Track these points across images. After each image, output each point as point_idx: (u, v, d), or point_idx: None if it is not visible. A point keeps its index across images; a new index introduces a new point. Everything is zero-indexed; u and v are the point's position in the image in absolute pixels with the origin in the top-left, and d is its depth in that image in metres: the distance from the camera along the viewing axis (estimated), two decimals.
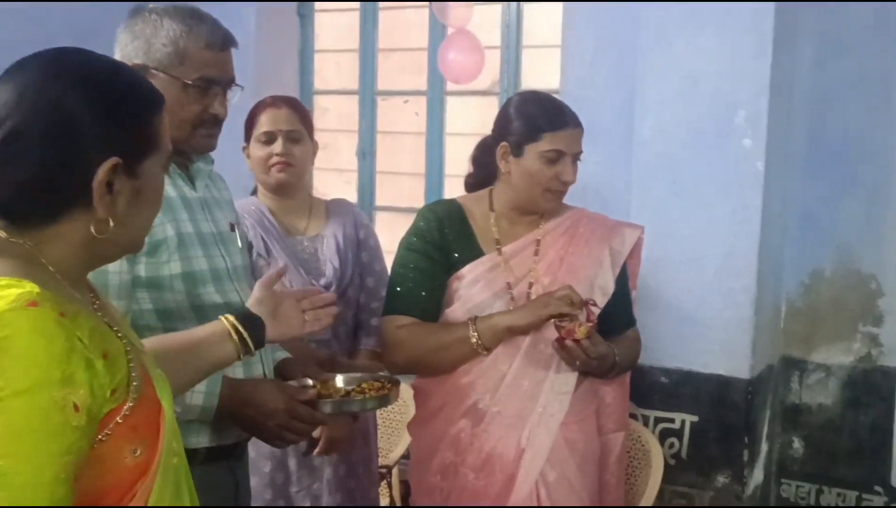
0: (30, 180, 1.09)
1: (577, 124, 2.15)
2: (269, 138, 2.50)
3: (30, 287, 1.04)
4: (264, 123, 2.51)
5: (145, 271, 1.69)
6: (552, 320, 2.03)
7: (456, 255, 2.16)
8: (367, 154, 4.08)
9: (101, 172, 1.10)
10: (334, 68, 4.24)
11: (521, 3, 3.70)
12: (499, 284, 2.15)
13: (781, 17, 2.75)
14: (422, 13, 3.90)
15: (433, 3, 3.63)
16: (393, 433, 3.26)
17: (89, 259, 1.18)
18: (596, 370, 2.10)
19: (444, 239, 2.16)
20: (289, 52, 4.09)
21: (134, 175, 1.14)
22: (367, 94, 4.06)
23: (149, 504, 1.12)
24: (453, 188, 3.77)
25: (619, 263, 2.20)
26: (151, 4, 1.81)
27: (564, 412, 2.11)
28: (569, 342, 1.98)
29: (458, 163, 3.92)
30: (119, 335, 1.16)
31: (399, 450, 3.13)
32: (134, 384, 1.11)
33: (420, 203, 3.96)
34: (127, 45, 1.78)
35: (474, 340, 2.07)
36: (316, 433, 2.43)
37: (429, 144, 3.94)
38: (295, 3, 4.09)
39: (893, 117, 2.84)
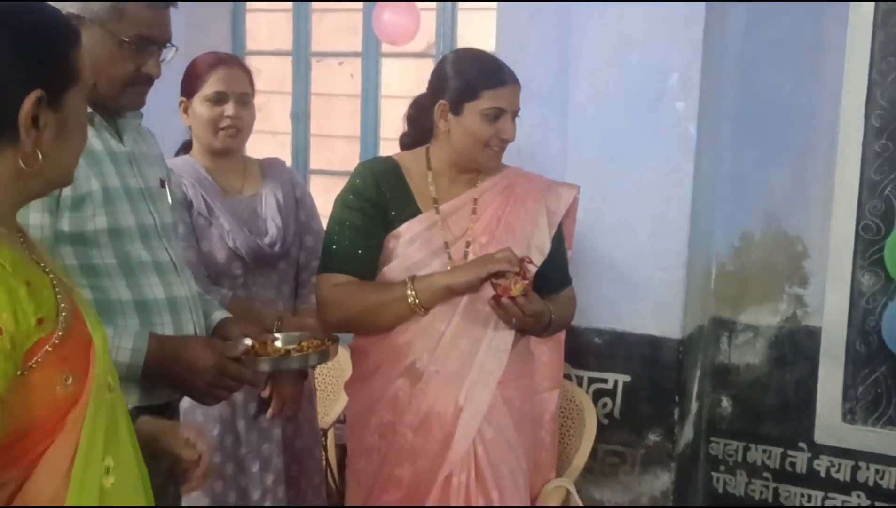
0: None
1: (515, 81, 2.15)
2: (220, 99, 2.43)
3: None
4: (215, 83, 2.42)
5: (69, 225, 1.65)
6: (490, 279, 2.04)
7: (393, 213, 2.15)
8: (301, 117, 4.02)
9: (27, 105, 1.12)
10: (267, 28, 4.16)
11: None
12: (436, 242, 2.15)
13: None
14: None
15: None
16: (329, 396, 3.26)
17: (18, 195, 1.19)
18: (532, 327, 2.11)
19: (381, 196, 2.15)
20: (220, 11, 4.00)
21: (58, 108, 1.16)
22: (302, 55, 4.00)
23: (82, 435, 1.14)
24: (389, 151, 3.69)
25: (555, 222, 2.21)
26: None
27: (502, 371, 2.12)
28: (505, 300, 1.99)
29: (393, 126, 3.89)
30: (46, 270, 1.18)
31: (334, 413, 3.13)
32: (63, 314, 1.14)
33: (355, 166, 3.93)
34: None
35: (412, 299, 2.06)
36: (265, 394, 2.42)
37: (364, 107, 3.90)
38: None
39: (820, 84, 2.89)
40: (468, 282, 2.05)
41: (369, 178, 2.17)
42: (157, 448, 1.46)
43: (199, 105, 2.44)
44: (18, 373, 1.09)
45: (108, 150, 1.76)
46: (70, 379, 1.13)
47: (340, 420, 3.19)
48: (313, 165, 4.04)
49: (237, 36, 4.08)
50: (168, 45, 1.79)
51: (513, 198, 2.19)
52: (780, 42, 2.95)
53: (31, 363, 1.10)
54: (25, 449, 1.12)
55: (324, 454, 2.89)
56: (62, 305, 1.15)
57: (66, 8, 1.68)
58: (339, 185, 3.53)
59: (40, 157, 1.15)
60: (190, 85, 2.46)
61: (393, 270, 2.14)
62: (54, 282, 1.17)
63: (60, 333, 1.13)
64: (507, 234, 2.16)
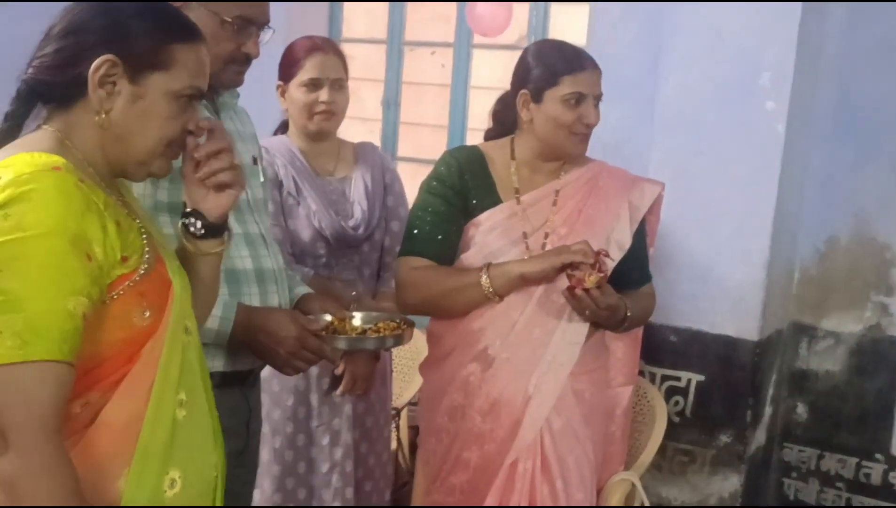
0: (48, 63, 1.31)
1: (595, 66, 2.15)
2: (316, 85, 2.50)
3: (56, 158, 1.24)
4: (311, 69, 2.50)
5: (167, 196, 1.74)
6: (566, 271, 2.05)
7: (474, 201, 2.19)
8: (391, 104, 4.10)
9: (97, 63, 1.29)
10: (363, 17, 4.24)
11: None
12: (515, 232, 2.17)
13: None
14: None
15: None
16: (404, 377, 3.32)
17: (107, 157, 1.34)
18: (606, 321, 2.12)
19: (464, 185, 2.19)
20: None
21: (135, 82, 1.31)
22: (395, 43, 4.07)
23: (158, 367, 1.27)
24: (476, 141, 3.77)
25: (638, 218, 2.21)
26: None
27: (574, 363, 2.13)
28: (579, 291, 2.01)
29: (481, 116, 3.93)
30: (136, 220, 1.33)
31: (409, 394, 3.19)
32: (146, 256, 1.29)
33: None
34: None
35: (486, 286, 2.10)
36: (338, 371, 2.50)
37: (453, 97, 3.95)
38: None
39: None
40: (542, 271, 2.07)
41: (453, 165, 2.21)
42: None
43: (296, 90, 2.51)
44: (102, 301, 1.23)
45: None
46: (147, 313, 1.27)
47: (414, 403, 3.25)
48: (401, 152, 4.11)
49: (334, 23, 4.17)
50: (266, 27, 1.87)
51: (595, 191, 2.20)
52: (880, 43, 2.88)
53: (113, 294, 1.25)
54: (106, 373, 1.25)
55: (396, 433, 2.96)
56: (146, 248, 1.30)
57: None
58: (425, 172, 3.59)
59: (104, 115, 1.30)
60: (287, 70, 2.53)
61: (471, 257, 2.18)
62: (141, 228, 1.31)
63: (142, 271, 1.27)
64: (587, 227, 2.17)
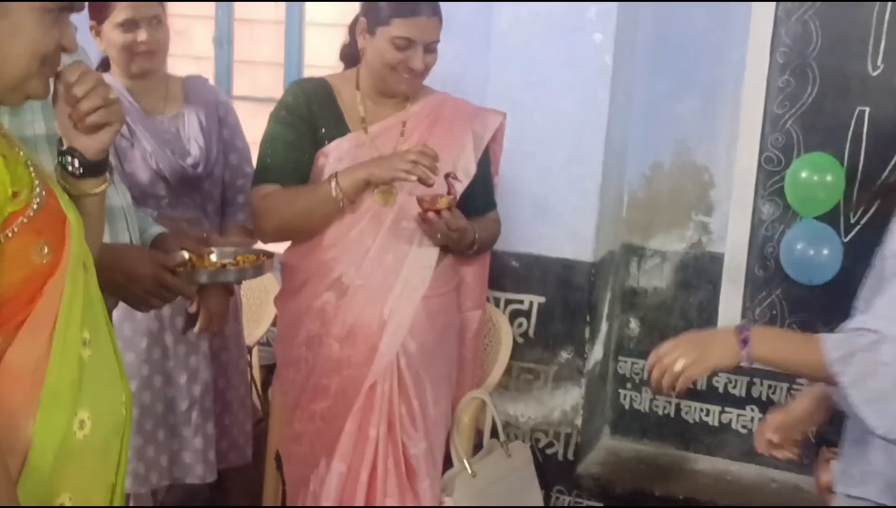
0: None
1: (432, 14, 2.18)
2: (132, 25, 2.40)
3: None
4: (124, 9, 2.39)
5: (45, 128, 1.67)
6: (417, 199, 2.12)
7: (323, 130, 2.21)
8: (224, 42, 4.00)
9: None
10: None
11: None
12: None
13: None
14: None
15: None
16: (253, 316, 3.31)
17: None
18: (456, 244, 2.21)
19: (312, 114, 2.21)
20: None
21: None
22: None
23: (60, 305, 1.23)
24: None
25: (481, 146, 2.30)
26: None
27: (426, 287, 2.22)
28: (431, 215, 2.08)
29: (317, 53, 3.91)
30: (20, 152, 1.27)
31: (258, 332, 3.20)
32: (37, 190, 1.23)
33: (279, 93, 3.92)
34: None
35: (337, 193, 2.12)
36: (192, 309, 2.48)
37: (288, 33, 3.90)
38: None
39: (730, 21, 3.02)
40: (388, 176, 2.11)
41: (300, 95, 2.22)
42: None
43: (111, 32, 2.42)
44: None
45: None
46: (46, 249, 1.22)
47: (262, 343, 3.26)
48: (236, 91, 4.02)
49: None
50: None
51: (440, 121, 2.27)
52: None
53: (7, 232, 1.19)
54: (8, 316, 1.20)
55: (249, 370, 2.97)
56: (36, 182, 1.23)
57: None
58: (262, 111, 3.56)
59: None
60: (99, 11, 2.41)
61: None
62: (28, 162, 1.25)
63: (35, 207, 1.21)
64: None
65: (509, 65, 2.97)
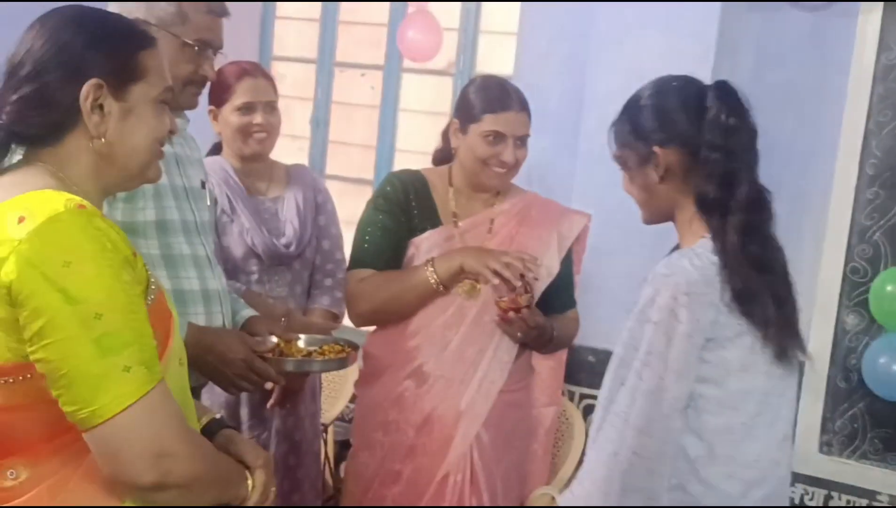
0: (30, 100, 1.30)
1: (521, 108, 2.27)
2: (249, 109, 2.56)
3: (74, 196, 1.24)
4: (244, 94, 2.56)
5: (122, 215, 1.79)
6: (496, 300, 2.16)
7: (417, 221, 2.29)
8: (320, 123, 4.17)
9: (85, 89, 1.30)
10: (294, 36, 4.30)
11: None
12: None
13: (724, 26, 2.93)
14: None
15: None
16: (332, 394, 3.39)
17: (101, 182, 1.36)
18: (535, 340, 2.24)
19: (409, 204, 2.29)
20: (251, 17, 4.15)
21: (121, 98, 1.33)
22: (325, 64, 4.14)
23: None
24: (403, 163, 3.88)
25: (566, 246, 2.35)
26: None
27: (504, 381, 2.26)
28: (511, 314, 2.14)
29: (409, 138, 4.04)
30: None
31: (336, 410, 3.26)
32: (152, 287, 1.31)
33: (370, 175, 4.07)
34: (127, 1, 1.86)
35: (432, 279, 2.19)
36: (269, 385, 2.56)
37: (382, 118, 4.04)
38: None
39: (820, 129, 3.03)
40: (478, 271, 2.16)
41: (398, 185, 2.32)
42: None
43: (230, 114, 2.58)
44: None
45: None
46: (154, 342, 1.27)
47: (341, 419, 3.33)
48: (329, 170, 4.17)
49: (265, 41, 4.22)
50: (220, 51, 1.95)
51: (527, 221, 2.32)
52: (785, 86, 3.08)
53: None
54: None
55: (323, 448, 3.02)
56: (151, 279, 1.32)
57: (134, 13, 1.83)
58: (352, 191, 3.67)
59: (102, 139, 1.32)
60: (219, 95, 2.59)
61: None
62: (144, 261, 1.33)
63: (149, 302, 1.29)
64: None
65: (596, 162, 3.01)
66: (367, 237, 2.29)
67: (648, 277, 1.64)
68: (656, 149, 1.68)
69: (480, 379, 2.24)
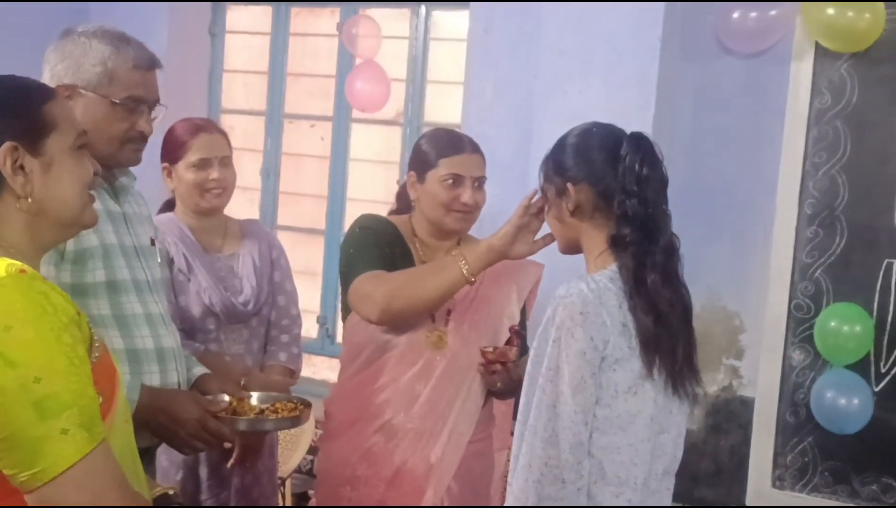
0: None
1: (474, 150, 2.32)
2: (204, 164, 2.56)
3: (12, 261, 1.26)
4: (199, 150, 2.56)
5: (70, 277, 1.79)
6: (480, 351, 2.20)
7: (398, 260, 2.27)
8: (270, 173, 4.19)
9: (2, 155, 1.31)
10: (242, 89, 4.33)
11: (429, 40, 3.88)
12: None
13: (663, 74, 3.03)
14: (331, 41, 4.05)
15: (343, 32, 3.79)
16: (287, 446, 3.37)
17: (38, 239, 1.37)
18: (513, 393, 2.25)
19: (388, 239, 2.29)
20: (199, 71, 4.17)
21: (38, 154, 1.34)
22: (275, 115, 4.17)
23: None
24: (354, 211, 3.89)
25: (524, 297, 2.38)
26: (81, 27, 1.92)
27: (472, 432, 2.28)
28: (497, 366, 2.16)
29: (359, 187, 4.07)
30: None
31: (292, 463, 3.25)
32: (96, 344, 1.32)
33: (321, 225, 4.09)
34: (56, 65, 1.87)
35: (464, 266, 2.12)
36: (228, 445, 2.54)
37: (332, 168, 4.07)
38: (207, 23, 4.18)
39: (759, 172, 3.13)
40: (507, 235, 2.11)
41: (373, 222, 2.33)
42: None
43: (185, 171, 2.57)
44: None
45: (106, 209, 1.90)
46: (101, 399, 1.29)
47: (297, 470, 3.31)
48: (280, 221, 4.18)
49: (213, 95, 4.24)
50: (158, 104, 1.96)
51: (488, 274, 2.31)
52: (725, 131, 3.18)
53: None
54: None
55: (282, 501, 3.00)
56: (95, 337, 1.33)
57: (63, 79, 1.85)
58: (304, 241, 3.67)
59: (30, 200, 1.33)
60: (173, 152, 2.58)
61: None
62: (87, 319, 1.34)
63: (93, 359, 1.30)
64: (484, 305, 2.32)
65: None
66: (353, 252, 2.25)
67: (551, 299, 1.75)
68: (569, 185, 1.81)
69: (450, 431, 2.25)
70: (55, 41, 1.91)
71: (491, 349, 2.19)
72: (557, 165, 1.86)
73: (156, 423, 1.84)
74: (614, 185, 1.77)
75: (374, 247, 2.24)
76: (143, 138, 1.94)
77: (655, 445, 1.78)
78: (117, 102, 1.86)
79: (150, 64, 1.94)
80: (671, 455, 1.84)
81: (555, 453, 1.67)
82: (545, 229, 2.09)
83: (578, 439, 1.68)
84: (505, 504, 1.76)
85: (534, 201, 2.08)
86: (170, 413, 1.84)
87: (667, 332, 1.76)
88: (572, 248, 1.90)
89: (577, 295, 1.70)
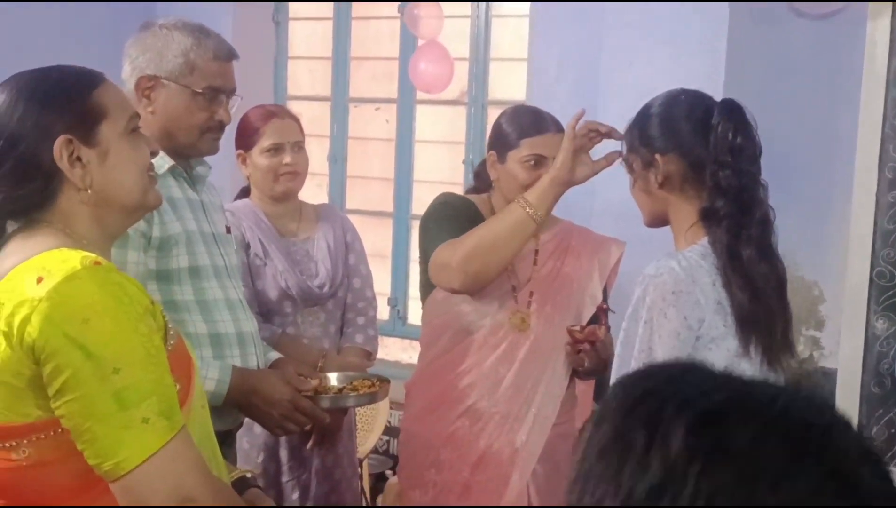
0: (8, 178, 1.31)
1: (558, 130, 2.23)
2: (278, 150, 2.60)
3: (88, 254, 1.26)
4: (272, 135, 2.60)
5: (156, 264, 1.83)
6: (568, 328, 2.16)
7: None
8: (338, 159, 4.21)
9: (57, 149, 1.31)
10: (307, 75, 4.36)
11: (490, 17, 3.86)
12: (506, 285, 2.27)
13: (732, 39, 2.95)
14: (393, 24, 4.05)
15: (405, 14, 3.79)
16: (364, 428, 3.40)
17: (105, 228, 1.38)
18: (601, 372, 2.23)
19: (468, 214, 2.27)
20: (264, 59, 4.21)
21: (93, 144, 1.34)
22: (340, 100, 4.20)
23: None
24: (421, 193, 3.92)
25: (606, 275, 2.35)
26: (161, 20, 1.96)
27: (556, 415, 2.26)
28: (586, 345, 2.13)
29: (426, 169, 4.08)
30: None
31: (369, 444, 3.28)
32: (171, 332, 1.33)
33: (389, 207, 4.11)
34: (138, 57, 1.92)
35: (528, 209, 2.07)
36: (308, 426, 2.58)
37: (398, 151, 4.08)
38: (271, 11, 4.22)
39: (836, 137, 3.04)
40: (564, 163, 2.07)
41: (452, 197, 2.33)
42: None
43: (259, 156, 2.61)
44: None
45: (186, 198, 1.96)
46: (178, 387, 1.31)
47: (374, 451, 3.34)
48: (349, 205, 4.21)
49: (279, 82, 4.28)
50: (234, 94, 1.99)
51: (569, 251, 2.32)
52: (798, 96, 3.10)
53: None
54: None
55: (360, 482, 3.03)
56: (169, 326, 1.35)
57: (145, 70, 1.89)
58: (373, 224, 3.67)
59: (89, 190, 1.33)
60: (246, 139, 2.62)
61: (462, 303, 2.24)
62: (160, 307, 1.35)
63: (169, 347, 1.31)
64: (566, 285, 2.30)
65: (614, 182, 3.02)
66: (432, 224, 2.23)
67: (639, 279, 1.70)
68: (657, 156, 1.74)
69: (535, 415, 2.24)
70: (135, 34, 1.96)
71: (578, 329, 2.16)
72: (643, 135, 1.80)
73: (247, 404, 1.88)
74: (706, 155, 1.70)
75: (453, 220, 2.22)
76: (221, 128, 1.98)
77: None
78: (199, 91, 1.90)
79: (229, 55, 1.98)
80: None
81: None
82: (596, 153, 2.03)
83: None
84: None
85: (579, 124, 2.03)
86: (262, 395, 1.88)
87: (763, 309, 1.69)
88: (658, 221, 1.84)
89: (668, 274, 1.65)
